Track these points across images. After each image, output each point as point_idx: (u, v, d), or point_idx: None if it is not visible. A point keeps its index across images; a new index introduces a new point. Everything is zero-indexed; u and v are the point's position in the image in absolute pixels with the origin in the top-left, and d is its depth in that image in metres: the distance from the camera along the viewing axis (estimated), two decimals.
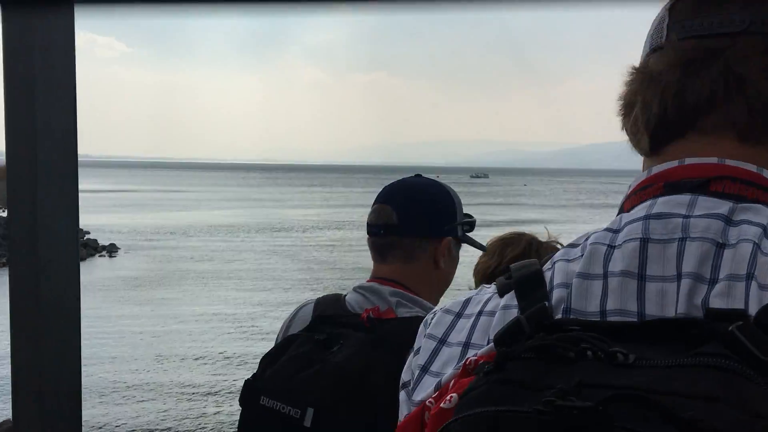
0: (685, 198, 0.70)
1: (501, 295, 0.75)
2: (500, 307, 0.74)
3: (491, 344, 0.70)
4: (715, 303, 0.62)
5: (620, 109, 0.80)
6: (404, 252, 1.70)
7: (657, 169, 0.74)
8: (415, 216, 1.70)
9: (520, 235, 2.35)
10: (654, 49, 0.77)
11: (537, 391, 0.56)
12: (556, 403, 0.52)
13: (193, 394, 12.02)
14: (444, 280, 1.78)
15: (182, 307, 18.54)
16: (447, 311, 0.81)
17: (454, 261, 1.78)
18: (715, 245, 0.65)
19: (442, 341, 0.78)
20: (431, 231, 1.71)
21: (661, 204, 0.70)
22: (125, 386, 12.26)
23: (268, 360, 1.58)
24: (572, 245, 0.75)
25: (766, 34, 0.70)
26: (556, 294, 0.71)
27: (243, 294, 20.57)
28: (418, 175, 1.83)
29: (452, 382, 0.70)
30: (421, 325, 0.84)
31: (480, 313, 0.76)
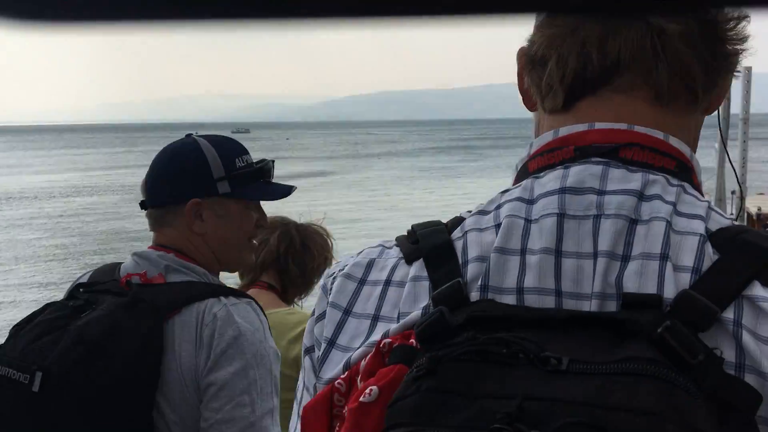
0: (598, 169, 0.69)
1: (408, 262, 0.73)
2: (410, 278, 0.72)
3: (403, 321, 0.69)
4: (629, 282, 0.63)
5: (526, 65, 0.77)
6: (161, 221, 1.70)
7: (565, 131, 0.73)
8: (153, 185, 1.70)
9: (272, 229, 2.33)
10: None
11: (473, 400, 0.56)
12: None
13: None
14: (219, 243, 1.71)
15: None
16: (348, 276, 0.77)
17: (223, 220, 1.71)
18: (628, 221, 0.66)
19: (347, 311, 0.75)
20: (171, 198, 1.68)
21: (575, 175, 0.70)
22: None
23: (15, 328, 1.54)
24: (482, 212, 0.73)
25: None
26: (472, 269, 0.69)
27: None
28: (189, 135, 1.76)
29: (364, 362, 0.68)
30: (321, 288, 0.80)
31: (388, 282, 0.74)
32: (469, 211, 0.76)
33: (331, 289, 0.77)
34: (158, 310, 1.50)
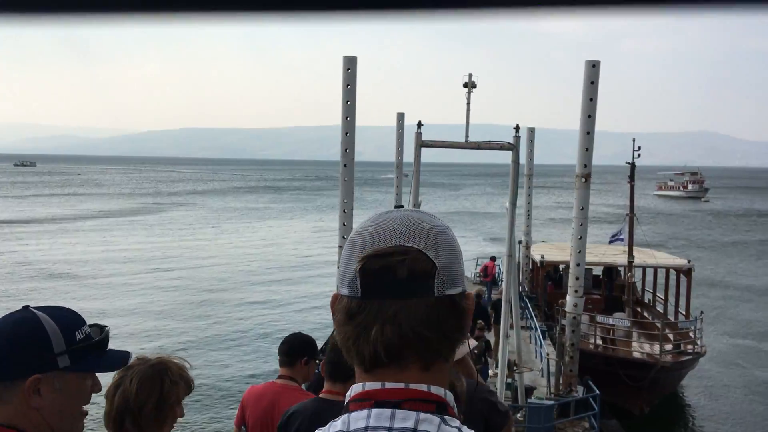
0: (388, 412, 1.07)
1: None
2: None
3: None
4: None
5: (342, 338, 1.13)
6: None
7: (369, 386, 1.11)
8: None
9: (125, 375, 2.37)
10: (350, 297, 1.09)
11: None
12: None
13: None
14: (55, 415, 1.69)
15: None
16: None
17: (61, 393, 1.69)
18: None
19: None
20: (9, 373, 1.64)
21: (374, 416, 1.07)
22: None
23: None
24: None
25: (425, 297, 1.07)
26: None
27: None
28: (26, 307, 1.73)
29: None
30: None
31: None
32: None
33: None
34: None
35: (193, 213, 78.53)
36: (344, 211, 14.23)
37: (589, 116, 13.00)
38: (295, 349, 4.33)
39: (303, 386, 4.48)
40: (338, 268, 1.21)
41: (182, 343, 24.07)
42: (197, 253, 46.38)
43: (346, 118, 13.49)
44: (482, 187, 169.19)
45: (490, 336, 17.03)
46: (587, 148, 13.20)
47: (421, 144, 10.83)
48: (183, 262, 42.93)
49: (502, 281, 16.43)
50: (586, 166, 13.16)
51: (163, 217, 72.49)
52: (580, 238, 13.49)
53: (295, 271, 41.01)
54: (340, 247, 14.54)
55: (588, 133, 13.15)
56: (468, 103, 11.21)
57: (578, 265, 13.63)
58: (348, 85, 13.51)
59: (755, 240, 63.62)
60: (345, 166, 13.86)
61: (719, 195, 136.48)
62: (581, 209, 13.37)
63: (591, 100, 12.88)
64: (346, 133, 13.56)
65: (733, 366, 24.16)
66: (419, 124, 10.86)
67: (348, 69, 13.47)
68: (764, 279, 42.97)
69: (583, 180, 13.17)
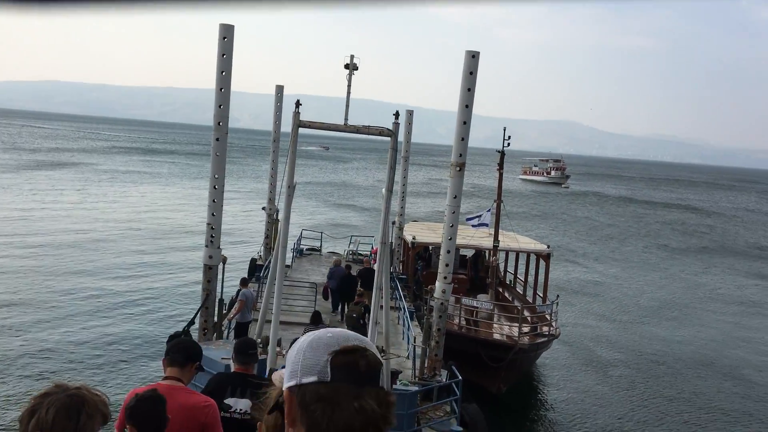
0: None
1: None
2: None
3: None
4: None
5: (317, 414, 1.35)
6: None
7: None
8: None
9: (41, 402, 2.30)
10: (319, 381, 1.36)
11: None
12: None
13: None
14: None
15: None
16: None
17: None
18: None
19: None
20: None
21: None
22: None
23: None
24: None
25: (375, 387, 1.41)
26: None
27: None
28: None
29: None
30: None
31: None
32: None
33: None
34: None
35: (56, 175, 73.05)
36: (215, 187, 13.60)
37: (467, 106, 13.14)
38: (191, 354, 4.75)
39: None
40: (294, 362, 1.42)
41: (36, 324, 22.35)
42: (58, 222, 43.11)
43: (221, 89, 12.82)
44: (361, 162, 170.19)
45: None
46: (463, 138, 13.35)
47: (299, 124, 10.46)
48: (43, 228, 39.81)
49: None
50: (461, 155, 13.32)
51: (20, 178, 66.84)
52: (452, 226, 13.70)
53: (167, 241, 39.28)
54: (209, 224, 13.92)
55: (465, 123, 13.29)
56: (349, 85, 10.94)
57: (449, 252, 13.85)
58: (224, 55, 12.81)
59: (605, 223, 68.48)
60: (217, 140, 13.21)
61: (579, 182, 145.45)
62: (454, 197, 13.55)
63: (469, 90, 13.00)
64: (220, 106, 12.90)
65: (582, 347, 25.83)
66: (297, 103, 10.47)
67: (224, 38, 12.76)
68: (613, 262, 46.32)
69: (458, 169, 13.33)
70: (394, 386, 11.81)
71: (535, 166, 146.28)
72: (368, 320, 13.39)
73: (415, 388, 11.86)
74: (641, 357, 25.20)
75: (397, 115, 10.83)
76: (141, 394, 4.01)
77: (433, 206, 69.14)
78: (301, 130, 10.35)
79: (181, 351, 4.74)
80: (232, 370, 5.65)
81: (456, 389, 12.57)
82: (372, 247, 29.76)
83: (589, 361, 24.38)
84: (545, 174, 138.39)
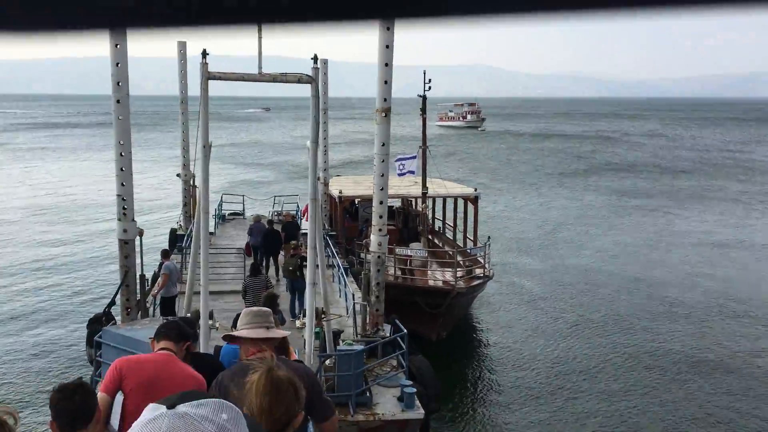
0: None
1: None
2: None
3: None
4: None
5: None
6: None
7: None
8: None
9: None
10: None
11: None
12: None
13: None
14: None
15: None
16: None
17: None
18: None
19: None
20: None
21: None
22: None
23: None
24: None
25: None
26: None
27: None
28: None
29: None
30: None
31: None
32: None
33: None
34: None
35: None
36: (121, 154, 12.43)
37: (387, 46, 12.40)
38: (184, 333, 4.72)
39: None
40: None
41: None
42: None
43: (116, 45, 11.57)
44: (276, 121, 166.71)
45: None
46: (386, 81, 12.64)
47: (208, 76, 9.48)
48: None
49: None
50: (386, 100, 12.62)
51: None
52: (382, 175, 13.09)
53: (79, 218, 37.06)
54: (119, 195, 12.78)
55: (386, 65, 12.56)
56: (260, 38, 9.97)
57: (381, 203, 13.27)
58: None
59: (524, 160, 69.79)
60: (118, 102, 12.00)
61: (494, 123, 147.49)
62: (382, 145, 12.89)
63: (388, 29, 12.26)
64: (117, 64, 11.67)
65: (514, 284, 26.13)
66: (204, 53, 9.46)
67: None
68: (535, 198, 47.22)
69: (383, 114, 12.65)
70: (338, 347, 11.29)
71: (450, 111, 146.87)
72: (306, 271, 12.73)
73: (360, 347, 11.38)
74: (568, 286, 25.85)
75: (315, 59, 10.00)
76: (63, 384, 3.72)
77: (350, 158, 68.55)
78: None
79: (174, 328, 4.75)
80: None
81: (401, 343, 12.17)
82: (297, 206, 28.94)
83: (522, 296, 24.71)
84: (461, 118, 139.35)
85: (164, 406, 1.28)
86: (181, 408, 1.27)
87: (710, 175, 60.89)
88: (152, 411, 1.29)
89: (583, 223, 38.61)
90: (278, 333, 4.33)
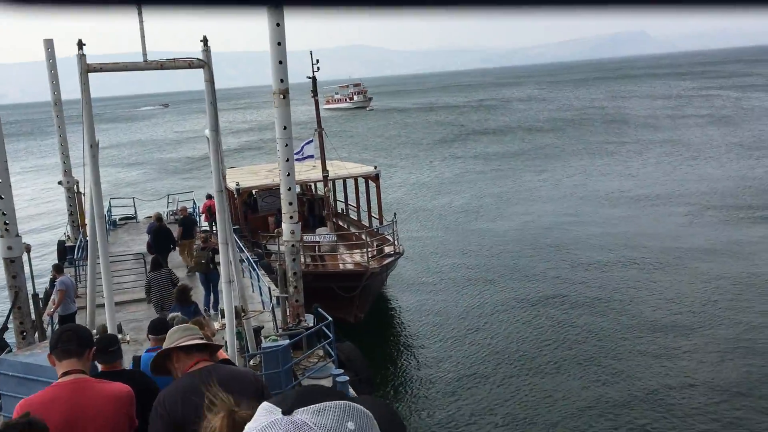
0: None
1: None
2: None
3: None
4: None
5: None
6: None
7: None
8: None
9: None
10: None
11: None
12: None
13: None
14: None
15: None
16: None
17: None
18: None
19: None
20: None
21: None
22: None
23: None
24: None
25: None
26: None
27: None
28: None
29: None
30: None
31: None
32: None
33: None
34: None
35: None
36: None
37: (278, 24, 11.78)
38: (84, 339, 4.05)
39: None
40: None
41: None
42: None
43: None
44: (159, 117, 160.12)
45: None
46: (281, 61, 12.02)
47: (87, 69, 8.59)
48: None
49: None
50: (282, 80, 12.02)
51: None
52: (287, 160, 12.51)
53: None
54: None
55: (279, 44, 11.93)
56: (142, 28, 9.14)
57: (289, 189, 12.71)
58: None
59: (414, 135, 70.59)
60: None
61: (381, 101, 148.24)
62: (284, 128, 12.31)
63: (277, 7, 11.64)
64: None
65: (424, 258, 26.28)
66: (80, 44, 8.56)
67: None
68: (431, 170, 47.81)
69: (282, 96, 12.05)
70: (262, 345, 10.74)
71: (336, 93, 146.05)
72: (218, 264, 12.05)
73: (285, 342, 10.88)
74: (473, 252, 26.37)
75: (205, 41, 9.28)
76: (8, 423, 3.22)
77: (238, 148, 66.88)
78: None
79: (72, 339, 3.99)
80: (99, 369, 4.75)
81: (327, 331, 11.76)
82: (194, 203, 27.73)
83: (432, 269, 24.90)
84: (348, 100, 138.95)
85: (280, 410, 1.13)
86: (299, 416, 1.11)
87: (589, 131, 63.89)
88: (266, 414, 1.14)
89: (477, 189, 39.63)
90: (216, 345, 4.25)
